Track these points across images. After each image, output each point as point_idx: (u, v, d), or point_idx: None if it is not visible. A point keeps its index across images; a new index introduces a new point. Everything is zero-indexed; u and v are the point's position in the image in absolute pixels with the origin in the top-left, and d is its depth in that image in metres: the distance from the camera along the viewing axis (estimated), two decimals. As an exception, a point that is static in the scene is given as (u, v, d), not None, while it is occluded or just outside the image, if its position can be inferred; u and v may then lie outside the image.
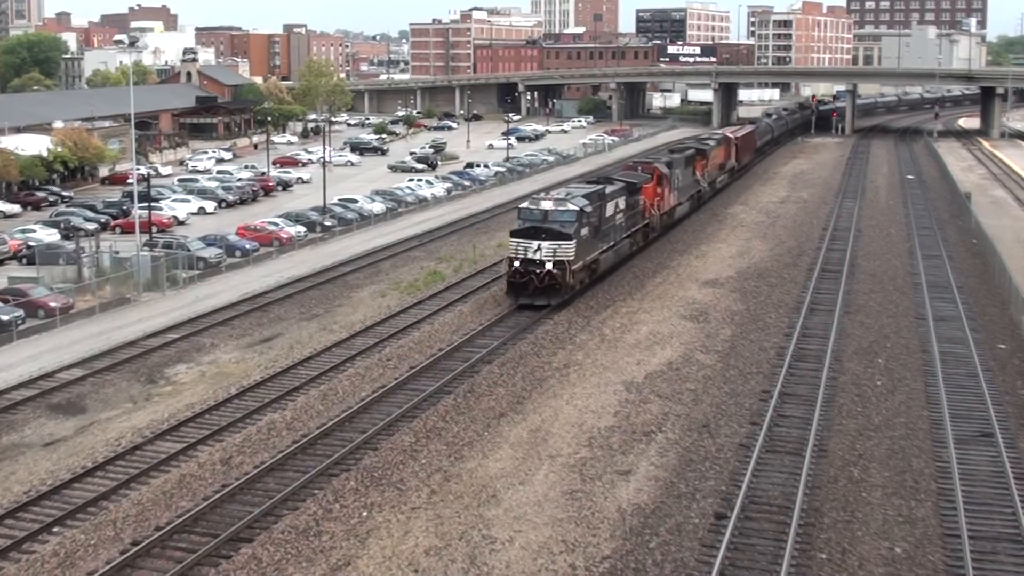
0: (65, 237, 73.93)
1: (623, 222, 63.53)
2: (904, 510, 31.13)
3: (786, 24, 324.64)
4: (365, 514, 30.93)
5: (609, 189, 61.61)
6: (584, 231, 55.64)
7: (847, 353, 47.30)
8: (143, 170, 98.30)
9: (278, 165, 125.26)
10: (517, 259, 54.21)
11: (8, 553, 29.16)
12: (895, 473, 33.90)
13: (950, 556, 28.30)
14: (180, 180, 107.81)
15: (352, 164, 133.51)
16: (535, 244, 53.79)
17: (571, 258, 54.08)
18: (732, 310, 55.62)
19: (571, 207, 55.02)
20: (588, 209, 56.11)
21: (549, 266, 53.51)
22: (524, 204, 56.99)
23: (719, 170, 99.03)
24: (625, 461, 34.83)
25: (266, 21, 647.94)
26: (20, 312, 52.72)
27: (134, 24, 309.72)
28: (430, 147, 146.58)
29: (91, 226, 79.50)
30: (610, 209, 60.45)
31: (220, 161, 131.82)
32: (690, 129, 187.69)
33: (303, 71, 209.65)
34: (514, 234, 55.03)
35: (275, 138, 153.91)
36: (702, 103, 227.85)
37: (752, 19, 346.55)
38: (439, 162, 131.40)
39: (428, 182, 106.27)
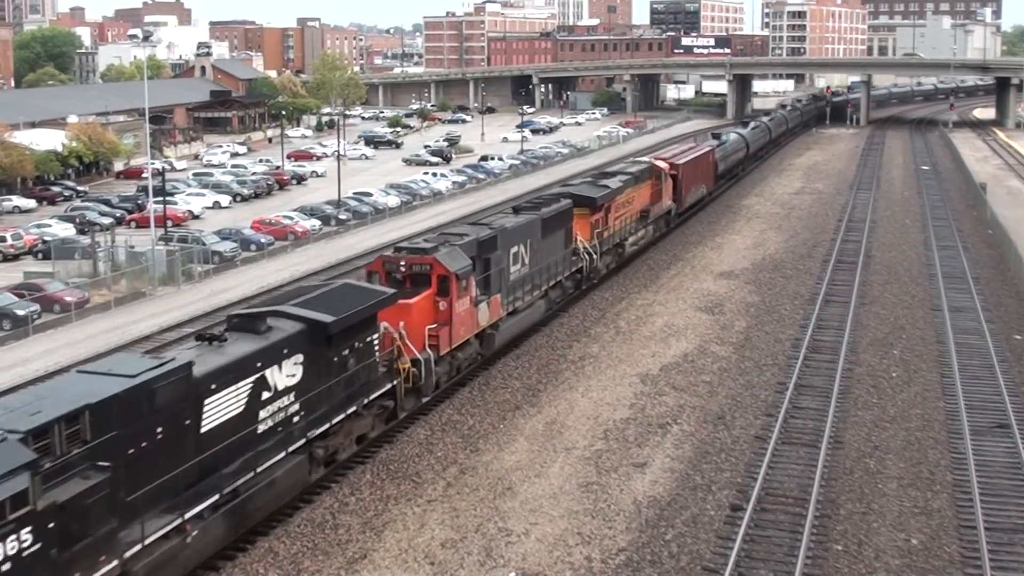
0: (80, 232, 74.10)
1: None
2: (920, 501, 31.07)
3: (800, 15, 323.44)
4: (381, 507, 31.01)
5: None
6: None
7: (862, 344, 47.21)
8: (158, 164, 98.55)
9: (292, 159, 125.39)
10: None
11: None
12: (911, 464, 33.84)
13: (966, 547, 28.23)
14: (195, 174, 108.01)
15: (366, 158, 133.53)
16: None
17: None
18: (747, 302, 55.56)
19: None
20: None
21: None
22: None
23: (637, 220, 64.80)
24: (641, 453, 34.83)
25: (280, 15, 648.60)
26: (36, 307, 52.85)
27: (148, 18, 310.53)
28: (444, 140, 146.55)
29: (106, 221, 79.59)
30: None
31: (234, 155, 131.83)
32: (705, 120, 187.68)
33: (317, 65, 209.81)
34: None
35: (289, 132, 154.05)
36: (716, 95, 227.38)
37: (766, 10, 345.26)
38: (453, 155, 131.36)
39: (443, 175, 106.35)
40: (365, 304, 33.40)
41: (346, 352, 32.18)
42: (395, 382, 35.54)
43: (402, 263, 39.17)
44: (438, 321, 38.51)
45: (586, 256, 54.92)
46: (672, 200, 73.46)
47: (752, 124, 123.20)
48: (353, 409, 32.75)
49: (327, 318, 30.92)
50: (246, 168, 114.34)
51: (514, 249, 45.28)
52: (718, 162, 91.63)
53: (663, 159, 75.63)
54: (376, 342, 34.21)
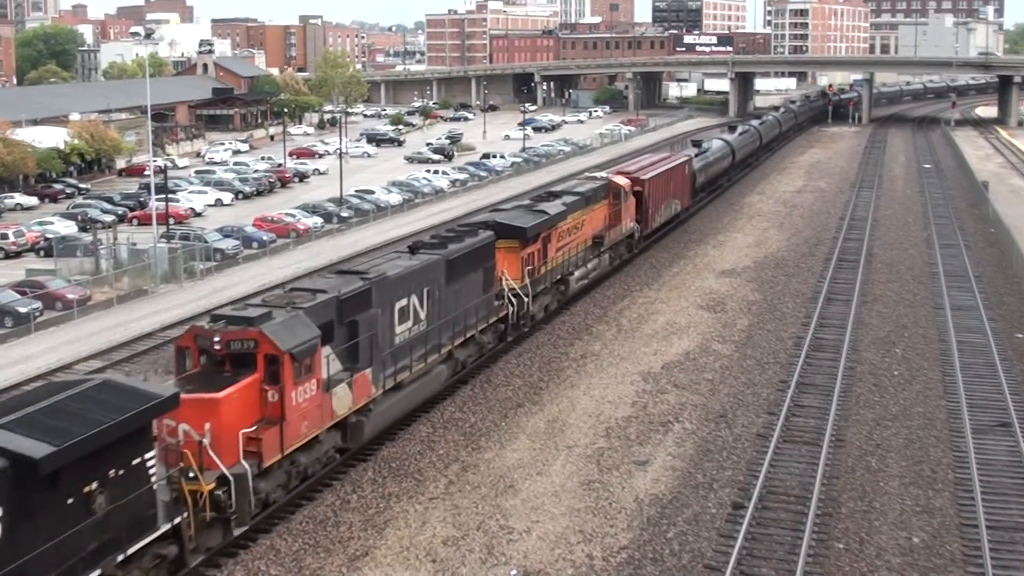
0: (82, 229, 74.16)
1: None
2: (922, 500, 31.07)
3: (802, 13, 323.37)
4: (383, 504, 31.03)
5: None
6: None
7: (864, 343, 47.20)
8: (160, 162, 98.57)
9: (294, 156, 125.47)
10: None
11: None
12: (913, 463, 33.84)
13: (968, 546, 28.24)
14: (197, 172, 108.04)
15: (368, 155, 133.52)
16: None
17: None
18: (749, 300, 55.55)
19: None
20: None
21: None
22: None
23: (588, 249, 55.44)
24: (642, 451, 34.83)
25: (282, 12, 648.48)
26: (38, 304, 52.88)
27: (150, 16, 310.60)
28: (446, 138, 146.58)
29: (108, 218, 79.55)
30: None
31: (237, 153, 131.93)
32: (707, 118, 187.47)
33: (319, 62, 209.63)
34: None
35: (291, 129, 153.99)
36: (719, 92, 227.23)
37: (768, 8, 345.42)
38: (455, 153, 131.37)
39: (444, 172, 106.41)
40: (121, 416, 23.20)
41: (89, 490, 22.46)
42: (181, 517, 25.37)
43: (216, 338, 29.11)
44: (265, 418, 28.73)
45: (514, 300, 45.28)
46: (636, 221, 63.95)
47: (740, 129, 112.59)
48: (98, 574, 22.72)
49: (38, 450, 21.12)
50: (248, 166, 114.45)
51: (400, 303, 35.86)
52: (696, 173, 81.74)
53: (625, 174, 65.62)
54: (151, 463, 24.42)
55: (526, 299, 46.04)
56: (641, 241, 66.47)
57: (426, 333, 37.53)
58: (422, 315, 37.36)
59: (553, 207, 51.03)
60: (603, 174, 64.99)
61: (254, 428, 28.22)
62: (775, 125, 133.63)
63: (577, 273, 53.86)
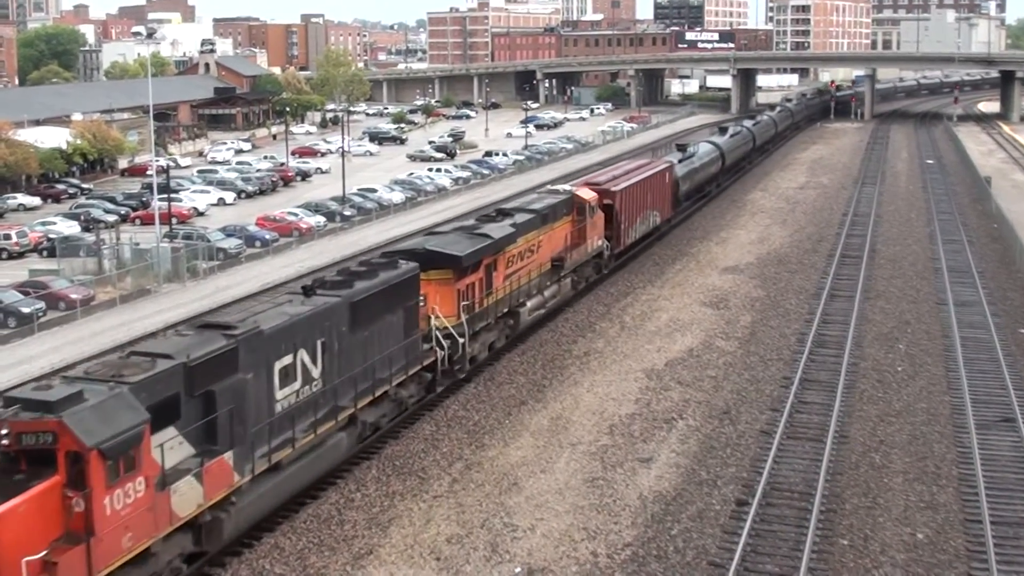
0: (85, 229, 74.21)
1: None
2: (926, 496, 31.07)
3: (804, 9, 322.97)
4: (387, 503, 31.04)
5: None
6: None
7: (868, 339, 47.18)
8: (162, 162, 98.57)
9: (297, 155, 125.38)
10: None
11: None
12: (916, 459, 33.83)
13: (972, 541, 28.24)
14: (199, 171, 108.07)
15: (371, 154, 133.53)
16: None
17: None
18: (752, 297, 55.54)
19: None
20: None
21: None
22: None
23: (545, 274, 49.16)
24: (646, 448, 34.84)
25: (283, 11, 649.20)
26: (41, 304, 52.93)
27: (152, 16, 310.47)
28: (449, 136, 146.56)
29: (111, 218, 79.65)
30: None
31: (239, 152, 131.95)
32: (709, 115, 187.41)
33: (321, 61, 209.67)
34: None
35: (294, 128, 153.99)
36: (721, 89, 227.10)
37: (770, 4, 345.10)
38: (458, 151, 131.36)
39: (447, 171, 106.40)
40: None
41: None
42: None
43: (4, 431, 22.56)
44: (68, 534, 22.52)
45: (445, 343, 38.90)
46: (606, 239, 57.77)
47: (731, 130, 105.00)
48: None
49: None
50: (250, 165, 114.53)
51: (283, 362, 29.35)
52: (679, 181, 75.14)
53: (594, 185, 59.52)
54: None
55: (461, 340, 39.57)
56: (612, 260, 59.99)
57: (319, 395, 30.94)
58: (315, 373, 30.71)
59: (499, 229, 44.39)
60: (567, 187, 57.75)
61: (46, 552, 21.88)
62: (770, 125, 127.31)
63: (530, 303, 47.11)
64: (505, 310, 44.53)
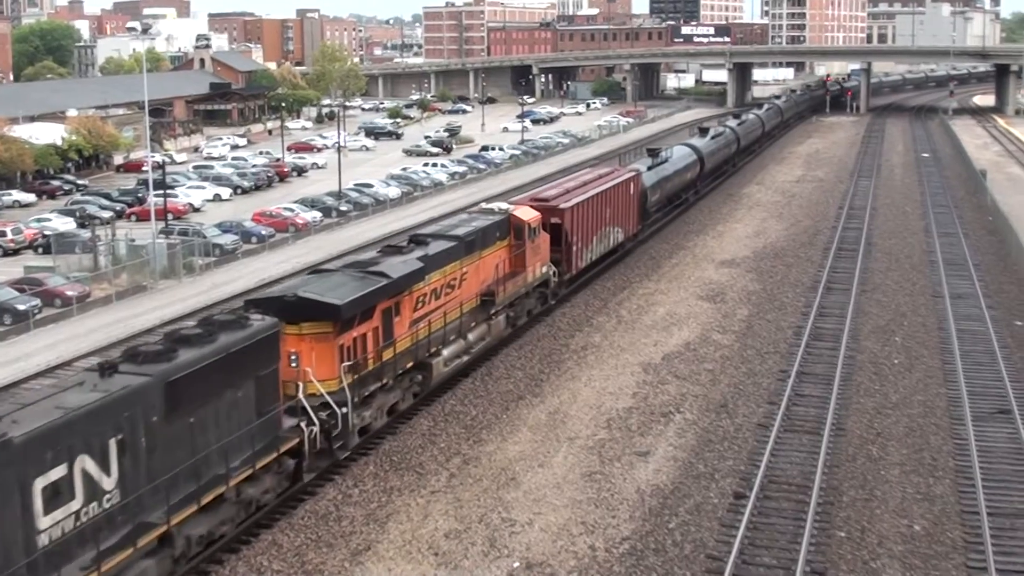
0: (81, 225, 74.05)
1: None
2: (923, 487, 31.12)
3: (800, 3, 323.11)
4: (384, 498, 31.05)
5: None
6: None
7: (864, 332, 47.23)
8: (158, 158, 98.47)
9: (293, 151, 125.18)
10: None
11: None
12: (913, 451, 33.89)
13: (969, 533, 28.28)
14: (195, 167, 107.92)
15: (367, 149, 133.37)
16: None
17: None
18: (749, 290, 55.58)
19: None
20: None
21: None
22: None
23: (471, 313, 41.77)
24: (643, 442, 34.87)
25: (279, 6, 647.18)
26: (37, 301, 52.81)
27: (147, 11, 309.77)
28: (445, 131, 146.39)
29: (106, 214, 79.54)
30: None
31: (235, 147, 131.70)
32: (706, 109, 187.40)
33: (317, 56, 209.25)
34: None
35: (289, 124, 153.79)
36: (717, 83, 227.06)
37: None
38: (454, 146, 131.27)
39: (443, 165, 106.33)
40: None
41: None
42: None
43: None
44: None
45: (321, 416, 31.09)
46: (553, 263, 50.17)
47: (712, 132, 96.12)
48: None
49: None
50: (246, 160, 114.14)
51: (52, 476, 21.70)
52: (648, 191, 67.06)
53: (539, 201, 51.74)
54: None
55: (342, 410, 31.71)
56: (562, 287, 52.62)
57: (115, 512, 23.32)
58: (107, 484, 23.07)
59: (403, 265, 36.71)
60: (504, 205, 48.44)
61: None
62: (757, 125, 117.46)
63: (447, 352, 39.45)
64: (411, 364, 36.66)
